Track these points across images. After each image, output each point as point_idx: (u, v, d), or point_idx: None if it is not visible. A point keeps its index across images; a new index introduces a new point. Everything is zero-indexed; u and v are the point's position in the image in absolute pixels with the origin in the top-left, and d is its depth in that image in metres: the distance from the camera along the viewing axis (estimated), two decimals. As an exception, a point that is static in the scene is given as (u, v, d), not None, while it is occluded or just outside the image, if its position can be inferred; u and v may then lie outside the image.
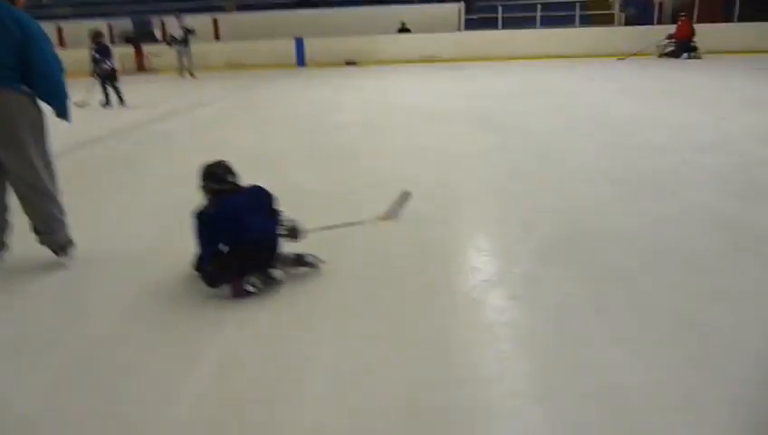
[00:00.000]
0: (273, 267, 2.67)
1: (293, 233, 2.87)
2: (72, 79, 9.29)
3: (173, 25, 14.90)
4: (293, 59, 16.95)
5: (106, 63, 9.38)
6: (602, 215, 3.61)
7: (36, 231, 3.02)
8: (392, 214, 3.66)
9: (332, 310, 2.52)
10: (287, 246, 2.84)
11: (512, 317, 2.40)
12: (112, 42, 18.03)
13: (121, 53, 16.62)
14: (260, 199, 2.84)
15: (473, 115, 7.49)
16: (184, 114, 8.76)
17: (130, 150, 6.28)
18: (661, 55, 15.07)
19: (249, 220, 2.66)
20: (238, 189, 2.79)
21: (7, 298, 2.80)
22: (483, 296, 2.58)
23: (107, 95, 9.51)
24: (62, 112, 3.02)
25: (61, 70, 2.97)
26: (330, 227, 3.28)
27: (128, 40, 17.80)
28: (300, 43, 16.93)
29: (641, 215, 3.57)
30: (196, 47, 15.52)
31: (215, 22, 18.30)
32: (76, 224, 3.19)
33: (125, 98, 9.57)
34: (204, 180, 2.79)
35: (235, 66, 16.62)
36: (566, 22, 17.02)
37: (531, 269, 2.87)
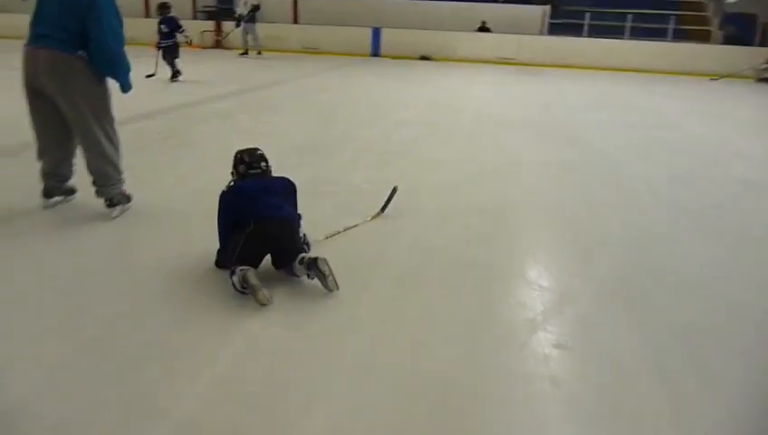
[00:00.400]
0: (292, 261, 2.47)
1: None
2: (151, 49, 9.36)
3: (240, 2, 14.92)
4: (368, 48, 16.75)
5: (172, 35, 9.31)
6: (674, 255, 3.16)
7: (93, 183, 3.30)
8: (381, 211, 3.49)
9: (351, 335, 2.23)
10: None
11: (556, 371, 2.05)
12: (195, 17, 18.48)
13: (201, 29, 17.00)
14: (285, 187, 2.71)
15: (543, 125, 7.03)
16: (247, 94, 8.70)
17: (185, 126, 6.19)
18: (759, 80, 13.93)
19: (266, 199, 2.54)
20: (265, 176, 2.69)
21: (52, 252, 2.89)
22: (525, 340, 2.23)
23: (175, 69, 9.40)
24: (121, 84, 3.20)
25: (118, 43, 3.09)
26: (331, 235, 3.10)
27: (209, 15, 18.12)
28: (376, 33, 16.71)
29: (718, 260, 3.11)
30: (273, 28, 15.58)
31: (294, 4, 18.34)
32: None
33: (180, 75, 9.40)
34: (235, 165, 2.70)
35: (310, 50, 16.60)
36: (658, 35, 15.99)
37: (585, 312, 2.49)
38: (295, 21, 18.37)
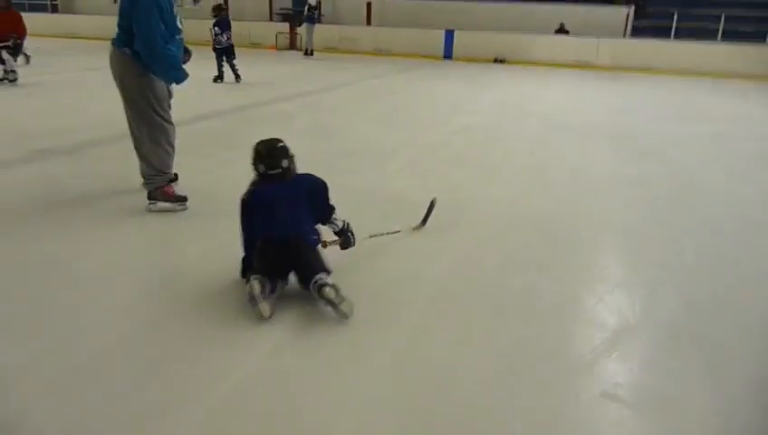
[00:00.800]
0: (308, 282, 2.26)
1: (342, 237, 2.62)
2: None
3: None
4: (441, 51, 16.49)
5: (223, 37, 9.27)
6: (756, 294, 2.74)
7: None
8: (422, 224, 3.28)
9: (373, 362, 2.03)
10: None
11: (602, 429, 1.76)
12: (271, 18, 18.87)
13: (276, 31, 17.33)
14: (310, 190, 2.47)
15: (617, 135, 6.52)
16: (311, 96, 8.67)
17: (243, 128, 6.12)
18: None
19: (284, 212, 2.35)
20: (287, 177, 2.42)
21: (85, 249, 2.81)
22: (568, 385, 1.95)
23: (221, 71, 9.38)
24: (170, 78, 3.30)
25: (156, 38, 3.13)
26: (373, 236, 2.92)
27: (284, 18, 18.44)
28: (450, 36, 16.41)
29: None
30: (346, 30, 15.61)
31: (368, 6, 18.34)
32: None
33: (241, 75, 9.39)
34: (254, 160, 2.43)
35: (381, 52, 16.53)
36: (756, 38, 14.76)
37: (644, 354, 2.18)
38: (368, 23, 18.37)
